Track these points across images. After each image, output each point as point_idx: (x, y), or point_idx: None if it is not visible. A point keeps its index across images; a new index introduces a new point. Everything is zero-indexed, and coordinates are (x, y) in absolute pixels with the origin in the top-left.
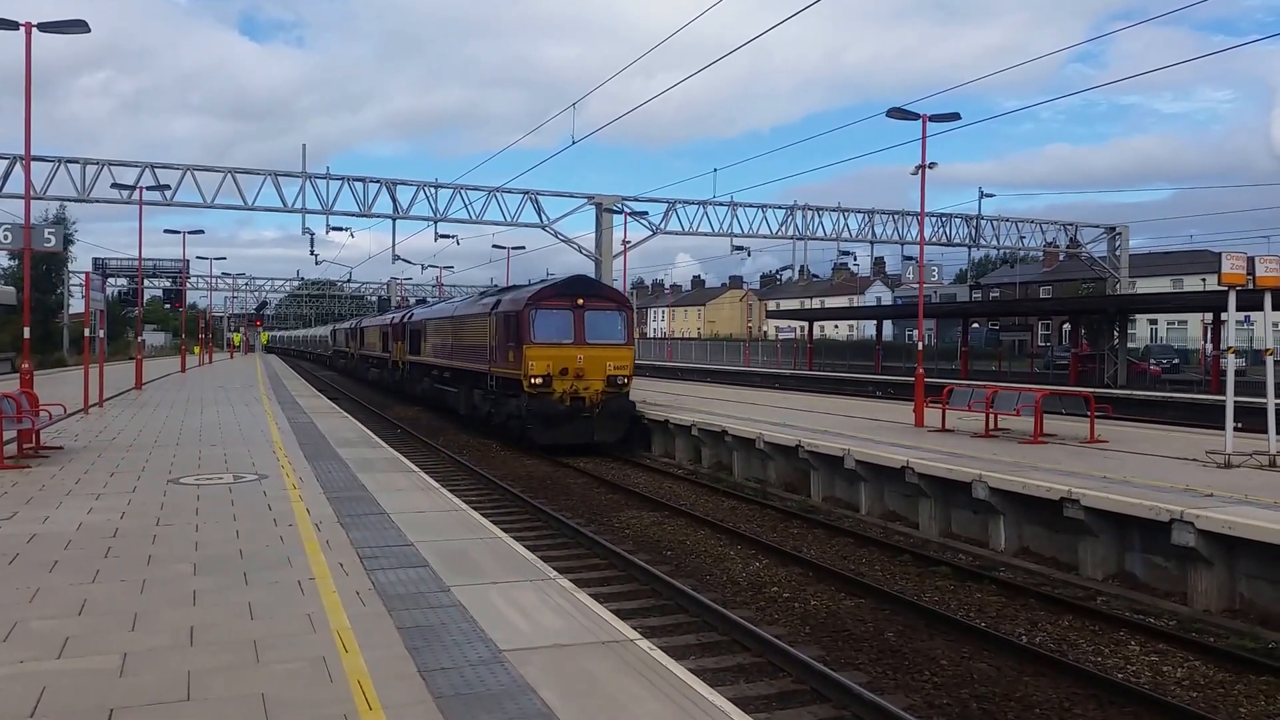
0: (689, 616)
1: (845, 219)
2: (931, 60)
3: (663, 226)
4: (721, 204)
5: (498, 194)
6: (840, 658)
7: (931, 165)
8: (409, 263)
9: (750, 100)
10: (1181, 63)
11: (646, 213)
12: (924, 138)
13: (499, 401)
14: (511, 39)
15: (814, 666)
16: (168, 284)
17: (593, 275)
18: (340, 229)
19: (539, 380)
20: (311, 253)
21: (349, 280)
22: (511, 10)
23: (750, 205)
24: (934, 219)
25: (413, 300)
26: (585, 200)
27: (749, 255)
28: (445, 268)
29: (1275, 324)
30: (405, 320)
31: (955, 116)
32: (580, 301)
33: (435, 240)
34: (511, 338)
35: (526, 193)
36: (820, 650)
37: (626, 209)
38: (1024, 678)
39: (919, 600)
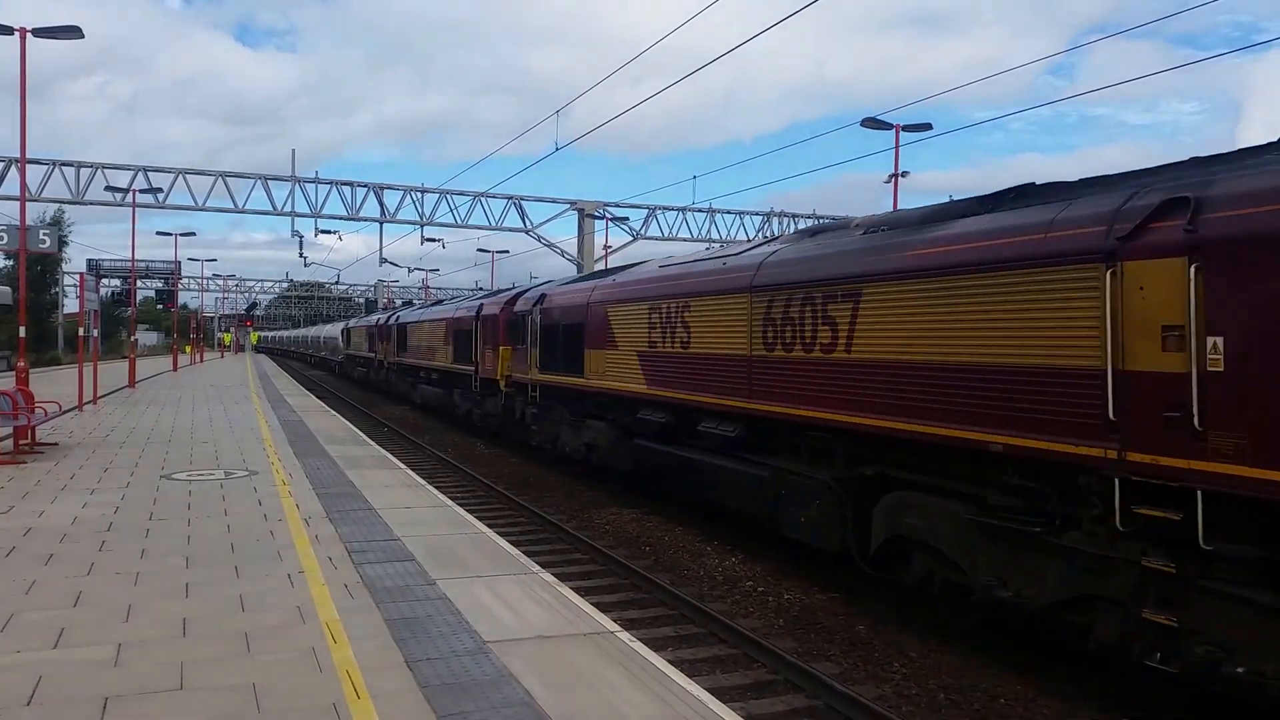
0: (667, 610)
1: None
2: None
3: (643, 232)
4: (700, 210)
5: (483, 199)
6: (813, 649)
7: (905, 174)
8: (396, 265)
9: (734, 109)
10: (1148, 75)
11: (627, 218)
12: (897, 147)
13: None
14: (502, 47)
15: (787, 658)
16: (160, 285)
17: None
18: (329, 232)
19: None
20: (300, 255)
21: (337, 282)
22: (502, 18)
23: (728, 211)
24: None
25: (399, 302)
26: (568, 205)
27: None
28: (431, 270)
29: None
30: (526, 311)
31: (927, 127)
32: None
33: (421, 244)
34: None
35: (510, 198)
36: (794, 642)
37: (608, 214)
38: (991, 669)
39: (890, 594)
